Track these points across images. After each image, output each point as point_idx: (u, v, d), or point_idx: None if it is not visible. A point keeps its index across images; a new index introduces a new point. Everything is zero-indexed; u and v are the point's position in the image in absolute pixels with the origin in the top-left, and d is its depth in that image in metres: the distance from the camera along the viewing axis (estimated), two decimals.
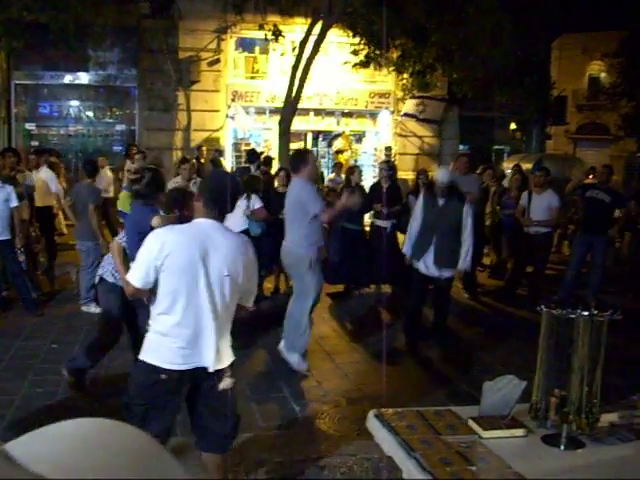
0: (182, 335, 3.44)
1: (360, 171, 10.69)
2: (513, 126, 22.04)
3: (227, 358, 3.67)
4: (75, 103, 16.64)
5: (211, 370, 3.50)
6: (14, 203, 8.34)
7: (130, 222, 5.77)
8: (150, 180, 5.73)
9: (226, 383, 3.58)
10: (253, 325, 8.37)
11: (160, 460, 0.70)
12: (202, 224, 3.54)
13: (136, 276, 3.41)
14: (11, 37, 11.92)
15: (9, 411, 5.37)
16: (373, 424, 3.14)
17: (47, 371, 6.24)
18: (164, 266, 3.36)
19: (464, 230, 7.10)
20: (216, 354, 3.50)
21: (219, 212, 3.55)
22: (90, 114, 16.68)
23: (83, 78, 16.13)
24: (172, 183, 9.77)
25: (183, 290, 3.40)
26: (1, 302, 8.68)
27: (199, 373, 3.50)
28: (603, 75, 30.03)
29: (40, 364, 6.47)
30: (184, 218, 6.29)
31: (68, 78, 16.05)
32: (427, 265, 7.17)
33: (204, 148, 14.61)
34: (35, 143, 15.78)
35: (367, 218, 10.42)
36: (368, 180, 14.10)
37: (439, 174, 7.52)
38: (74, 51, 13.92)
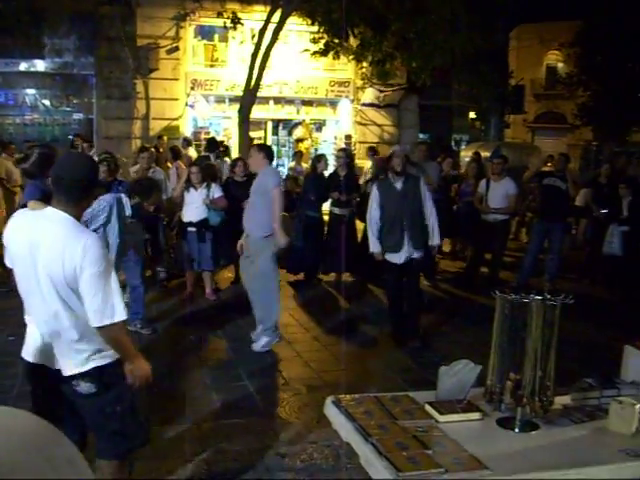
0: (30, 330, 3.29)
1: (326, 160, 10.70)
2: (472, 115, 22.23)
3: (78, 365, 3.18)
4: (31, 91, 16.37)
5: (64, 374, 3.19)
6: None
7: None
8: (37, 159, 5.56)
9: (83, 388, 3.20)
10: (213, 314, 8.38)
11: (56, 443, 0.68)
12: (43, 212, 3.15)
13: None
14: None
15: None
16: (331, 410, 3.16)
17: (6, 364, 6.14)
18: (9, 253, 3.21)
19: (425, 206, 7.08)
20: (59, 358, 3.19)
21: (70, 200, 3.11)
22: (47, 102, 16.41)
23: (39, 66, 15.87)
24: (132, 172, 9.71)
25: (22, 281, 3.18)
26: None
27: (54, 373, 3.22)
28: (560, 65, 30.41)
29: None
30: (143, 208, 6.25)
31: (23, 66, 15.78)
32: (399, 253, 7.12)
33: (165, 138, 14.50)
34: None
35: (326, 206, 10.43)
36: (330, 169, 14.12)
37: (397, 148, 7.52)
38: (29, 38, 13.69)
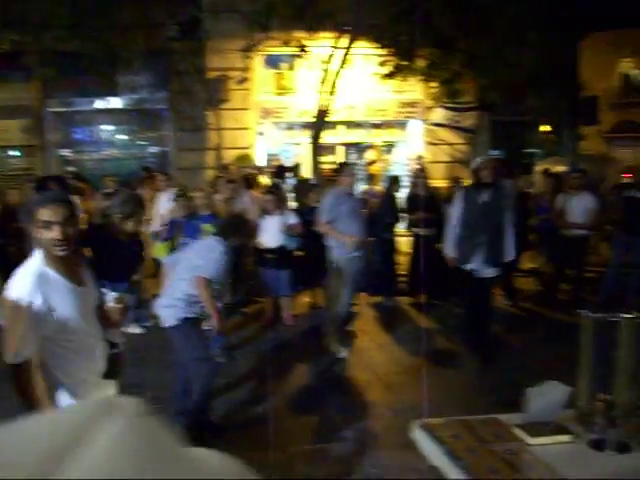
0: None
1: (399, 181, 10.69)
2: (544, 128, 21.84)
3: None
4: (108, 127, 16.86)
5: None
6: None
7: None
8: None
9: None
10: (292, 339, 8.43)
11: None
12: None
13: None
14: (45, 66, 12.15)
15: None
16: (418, 435, 3.14)
17: None
18: None
19: (505, 222, 7.04)
20: None
21: None
22: (123, 137, 16.88)
23: (114, 103, 16.33)
24: (217, 201, 9.64)
25: None
26: None
27: None
28: (635, 72, 29.66)
29: None
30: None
31: (100, 103, 16.27)
32: (475, 265, 7.10)
33: (231, 167, 14.70)
34: (71, 168, 16.02)
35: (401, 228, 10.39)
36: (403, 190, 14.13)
37: (480, 160, 7.46)
38: (105, 77, 14.15)
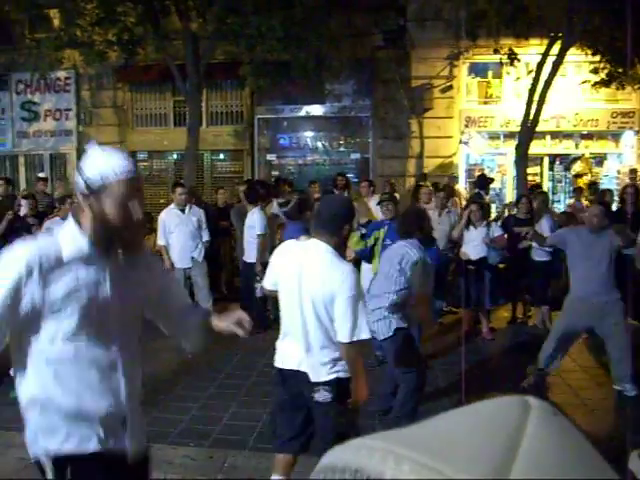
0: (285, 342, 3.99)
1: (612, 195, 10.17)
2: None
3: (322, 374, 3.81)
4: (311, 134, 17.34)
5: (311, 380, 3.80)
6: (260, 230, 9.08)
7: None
8: (296, 204, 5.91)
9: (321, 395, 3.77)
10: (488, 353, 8.19)
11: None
12: (308, 243, 3.85)
13: None
14: (257, 76, 12.69)
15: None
16: (636, 465, 2.89)
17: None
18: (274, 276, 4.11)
19: None
20: (308, 367, 3.83)
21: (327, 233, 3.76)
22: (325, 144, 17.27)
23: (319, 110, 16.78)
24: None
25: (285, 298, 3.91)
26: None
27: (301, 378, 3.85)
28: None
29: None
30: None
31: (305, 110, 16.78)
32: None
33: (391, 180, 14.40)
34: (275, 173, 16.63)
35: None
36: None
37: None
38: (312, 85, 14.55)
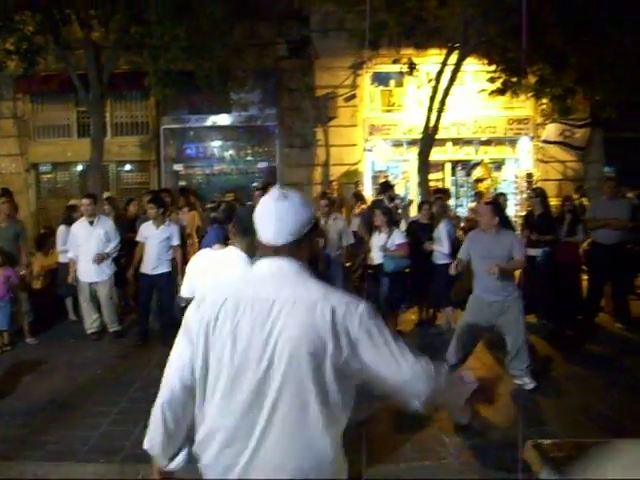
0: None
1: (506, 199, 10.58)
2: None
3: None
4: (218, 144, 17.33)
5: None
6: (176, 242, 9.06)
7: None
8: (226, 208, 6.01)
9: None
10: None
11: None
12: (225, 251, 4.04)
13: None
14: (162, 86, 12.61)
15: None
16: (531, 454, 3.11)
17: None
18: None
19: None
20: None
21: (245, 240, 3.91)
22: (232, 153, 17.29)
23: (225, 120, 16.81)
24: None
25: None
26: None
27: None
28: None
29: None
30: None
31: (212, 120, 16.78)
32: None
33: (334, 183, 14.93)
34: (182, 183, 16.55)
35: None
36: (510, 208, 13.94)
37: None
38: (217, 95, 14.58)
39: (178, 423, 2.49)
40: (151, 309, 9.38)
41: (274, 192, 2.42)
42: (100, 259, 9.29)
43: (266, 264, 2.42)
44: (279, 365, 2.25)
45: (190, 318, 2.45)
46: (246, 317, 2.32)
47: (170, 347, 2.50)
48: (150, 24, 11.87)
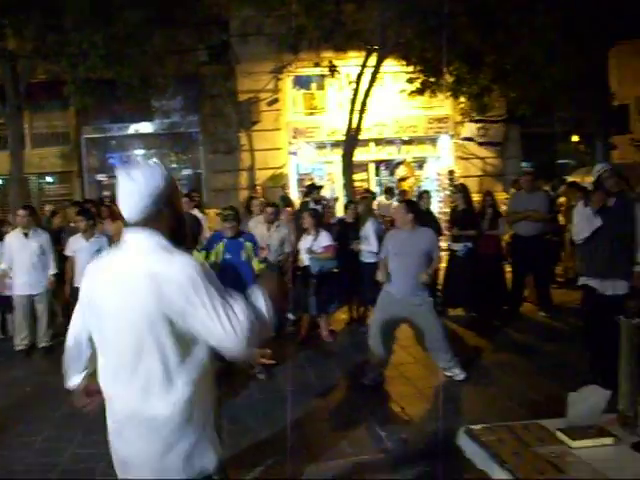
0: None
1: (429, 196, 10.79)
2: (576, 139, 21.72)
3: None
4: (141, 152, 17.17)
5: None
6: None
7: None
8: None
9: None
10: (331, 355, 8.51)
11: None
12: None
13: None
14: (81, 95, 12.42)
15: None
16: (464, 440, 3.21)
17: None
18: None
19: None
20: None
21: None
22: (156, 161, 17.09)
23: (148, 127, 16.68)
24: (255, 223, 9.80)
25: None
26: None
27: None
28: None
29: None
30: None
31: (134, 128, 16.63)
32: (602, 281, 6.62)
33: (258, 187, 14.94)
34: (106, 193, 16.30)
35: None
36: (434, 205, 14.21)
37: (601, 166, 6.84)
38: (139, 103, 14.42)
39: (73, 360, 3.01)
40: None
41: (119, 172, 2.62)
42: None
43: (125, 237, 2.67)
44: (131, 329, 2.49)
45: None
46: (102, 286, 2.64)
47: None
48: (67, 32, 11.67)
